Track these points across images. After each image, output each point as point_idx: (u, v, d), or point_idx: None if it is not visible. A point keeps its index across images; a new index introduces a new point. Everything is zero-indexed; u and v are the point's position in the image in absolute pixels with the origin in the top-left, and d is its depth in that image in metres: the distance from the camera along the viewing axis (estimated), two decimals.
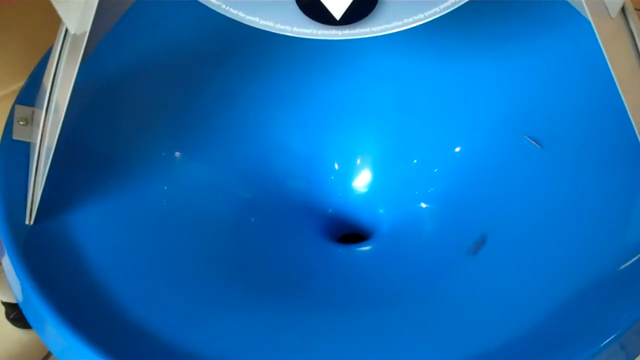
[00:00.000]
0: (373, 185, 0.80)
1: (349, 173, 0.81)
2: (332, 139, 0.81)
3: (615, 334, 0.52)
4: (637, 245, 0.58)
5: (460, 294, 0.64)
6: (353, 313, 0.66)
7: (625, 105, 0.58)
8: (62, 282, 0.58)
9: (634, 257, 0.57)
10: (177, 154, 0.73)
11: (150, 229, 0.66)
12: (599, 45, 0.55)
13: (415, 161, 0.77)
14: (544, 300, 0.58)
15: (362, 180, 0.81)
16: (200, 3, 0.57)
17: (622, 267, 0.57)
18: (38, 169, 0.63)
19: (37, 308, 0.56)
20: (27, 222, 0.62)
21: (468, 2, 0.58)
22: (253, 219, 0.73)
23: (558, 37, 0.72)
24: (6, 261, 0.60)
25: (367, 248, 0.76)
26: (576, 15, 0.56)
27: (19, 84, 0.73)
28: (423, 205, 0.75)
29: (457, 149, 0.75)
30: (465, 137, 0.74)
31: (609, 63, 0.55)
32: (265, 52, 0.79)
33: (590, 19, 0.53)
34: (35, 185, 0.63)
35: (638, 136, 0.59)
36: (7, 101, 0.72)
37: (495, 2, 0.72)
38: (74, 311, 0.56)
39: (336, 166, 0.82)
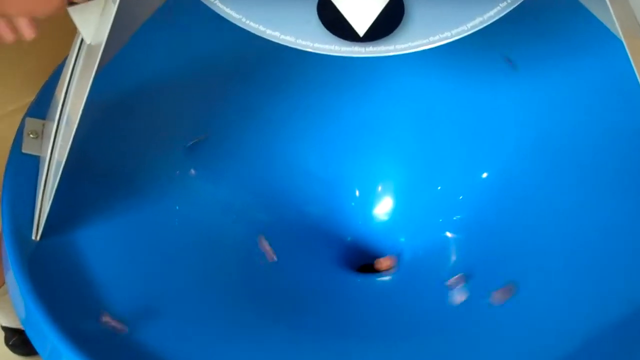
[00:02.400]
0: (395, 213, 0.81)
1: (370, 200, 0.83)
2: (353, 163, 0.83)
3: None
4: None
5: (478, 328, 0.66)
6: (369, 344, 0.67)
7: None
8: (66, 299, 0.61)
9: None
10: (192, 172, 0.76)
11: (160, 248, 0.68)
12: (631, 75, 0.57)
13: (439, 188, 0.78)
14: (566, 336, 0.60)
15: (383, 208, 0.82)
16: (221, 18, 0.59)
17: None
18: (47, 184, 0.65)
19: (40, 325, 0.58)
20: (33, 238, 0.64)
21: (496, 24, 0.60)
22: (268, 242, 0.75)
23: (591, 61, 0.74)
24: (10, 277, 0.62)
25: (386, 278, 0.77)
26: (610, 38, 0.58)
27: (29, 99, 0.75)
28: (447, 234, 0.77)
29: (484, 175, 0.76)
30: (492, 162, 0.76)
31: None
32: (287, 72, 0.81)
33: (622, 39, 0.55)
34: (44, 201, 0.65)
35: None
36: (17, 115, 0.74)
37: (524, 24, 0.74)
38: (76, 330, 0.58)
39: (357, 193, 0.83)
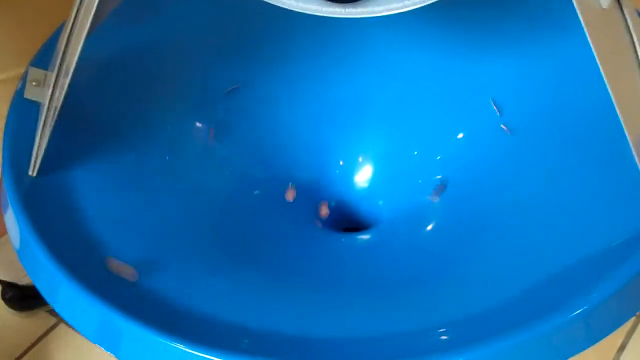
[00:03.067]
0: (374, 179, 0.88)
1: (351, 168, 0.90)
2: (338, 135, 0.90)
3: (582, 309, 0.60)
4: (611, 235, 0.66)
5: (448, 274, 0.72)
6: (352, 296, 0.73)
7: (613, 99, 0.64)
8: (58, 229, 0.67)
9: (606, 245, 0.65)
10: (194, 126, 0.82)
11: (149, 191, 0.74)
12: None
13: (415, 153, 0.85)
14: (524, 279, 0.66)
15: (363, 175, 0.89)
16: None
17: (595, 253, 0.65)
18: (45, 127, 0.72)
19: (33, 249, 0.64)
20: (30, 173, 0.71)
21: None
22: (256, 192, 0.82)
23: (564, 36, 0.79)
24: (8, 210, 0.68)
25: (368, 237, 0.83)
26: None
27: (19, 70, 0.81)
28: (427, 196, 0.83)
29: (460, 136, 0.83)
30: (467, 123, 0.83)
31: (596, 57, 0.61)
32: (283, 46, 0.88)
33: (577, 8, 0.60)
34: (41, 141, 0.71)
35: (625, 129, 0.65)
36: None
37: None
38: (68, 256, 0.64)
39: (341, 162, 0.90)
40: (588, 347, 0.62)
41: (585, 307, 0.59)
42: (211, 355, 0.58)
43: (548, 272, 0.65)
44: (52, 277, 0.64)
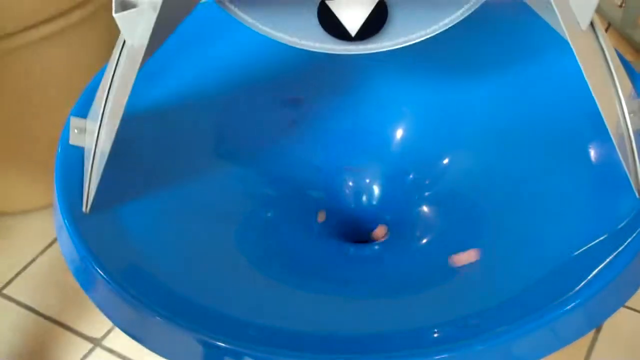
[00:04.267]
0: (379, 198, 0.98)
1: (360, 189, 0.99)
2: (348, 160, 0.99)
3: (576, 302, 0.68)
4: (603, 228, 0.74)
5: (447, 276, 0.81)
6: (360, 300, 0.81)
7: (599, 107, 0.73)
8: (109, 252, 0.75)
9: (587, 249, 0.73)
10: (215, 165, 0.91)
11: (184, 219, 0.83)
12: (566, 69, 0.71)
13: (411, 176, 0.95)
14: (520, 278, 0.75)
15: (370, 195, 0.98)
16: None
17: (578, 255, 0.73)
18: (93, 169, 0.78)
19: (91, 272, 0.73)
20: (84, 210, 0.77)
21: (460, 34, 0.75)
22: (269, 214, 0.90)
23: (535, 63, 0.89)
24: (65, 236, 0.75)
25: (375, 247, 0.92)
26: (549, 41, 0.72)
27: None
28: (422, 208, 0.92)
29: (445, 161, 0.94)
30: (450, 150, 0.94)
31: (581, 67, 0.70)
32: (295, 85, 0.97)
33: (565, 29, 0.69)
34: (91, 182, 0.78)
35: (610, 132, 0.73)
36: None
37: (482, 29, 0.88)
38: (119, 273, 0.73)
39: (350, 183, 0.98)
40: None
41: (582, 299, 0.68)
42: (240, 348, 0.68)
43: (543, 270, 0.74)
44: (109, 295, 0.72)
